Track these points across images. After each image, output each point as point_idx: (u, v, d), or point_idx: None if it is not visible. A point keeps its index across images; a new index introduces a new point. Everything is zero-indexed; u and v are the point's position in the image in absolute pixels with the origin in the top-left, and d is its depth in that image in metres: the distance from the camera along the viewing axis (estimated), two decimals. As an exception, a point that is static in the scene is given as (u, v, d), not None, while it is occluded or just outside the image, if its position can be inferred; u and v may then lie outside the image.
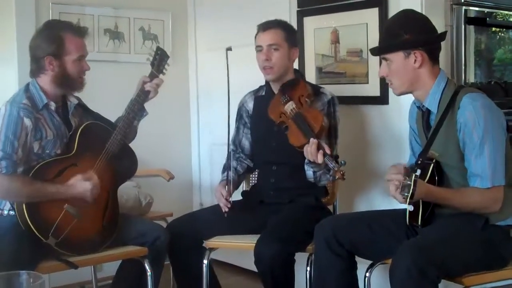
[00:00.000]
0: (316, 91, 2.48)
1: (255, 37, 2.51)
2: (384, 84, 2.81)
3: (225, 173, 2.52)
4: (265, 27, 2.46)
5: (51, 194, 2.17)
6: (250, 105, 2.62)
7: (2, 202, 2.28)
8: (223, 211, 2.39)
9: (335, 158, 2.15)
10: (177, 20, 3.80)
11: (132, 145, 2.50)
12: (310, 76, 3.12)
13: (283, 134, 2.36)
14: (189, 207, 3.65)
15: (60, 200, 2.19)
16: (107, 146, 2.32)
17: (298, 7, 3.16)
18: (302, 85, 2.40)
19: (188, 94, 3.94)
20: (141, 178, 3.27)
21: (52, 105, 2.31)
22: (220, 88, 3.86)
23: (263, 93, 2.60)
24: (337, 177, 2.05)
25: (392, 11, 2.70)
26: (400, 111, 2.65)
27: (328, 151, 2.11)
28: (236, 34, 3.35)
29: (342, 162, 2.07)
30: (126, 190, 3.02)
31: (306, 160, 2.24)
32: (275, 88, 2.49)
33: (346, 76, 3.02)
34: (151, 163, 3.49)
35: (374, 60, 2.81)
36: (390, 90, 2.23)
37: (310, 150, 2.12)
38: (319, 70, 3.13)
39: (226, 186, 2.41)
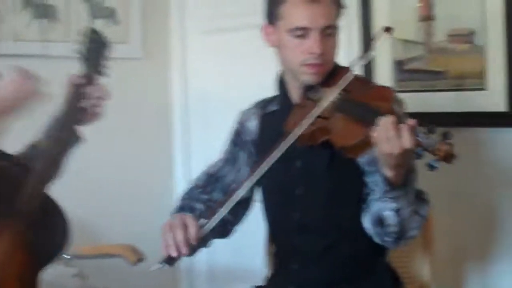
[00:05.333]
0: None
1: (282, 11, 2.47)
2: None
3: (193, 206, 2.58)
4: None
5: None
6: (252, 125, 2.69)
7: None
8: (171, 254, 2.31)
9: (430, 130, 2.12)
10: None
11: (66, 197, 2.40)
12: (383, 75, 3.17)
13: (314, 170, 2.41)
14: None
15: None
16: (16, 205, 2.32)
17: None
18: (347, 72, 2.42)
19: (170, 109, 4.07)
20: (87, 260, 3.21)
21: None
22: (225, 96, 3.73)
23: (275, 107, 2.65)
24: (441, 154, 2.03)
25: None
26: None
27: (413, 122, 2.10)
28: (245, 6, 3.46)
29: (447, 134, 2.05)
30: (60, 283, 2.95)
31: (384, 188, 2.22)
32: (296, 93, 2.53)
33: (446, 77, 3.05)
34: (105, 234, 3.49)
35: (495, 49, 2.87)
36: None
37: (384, 125, 2.10)
38: (399, 66, 3.18)
39: (194, 224, 2.36)
